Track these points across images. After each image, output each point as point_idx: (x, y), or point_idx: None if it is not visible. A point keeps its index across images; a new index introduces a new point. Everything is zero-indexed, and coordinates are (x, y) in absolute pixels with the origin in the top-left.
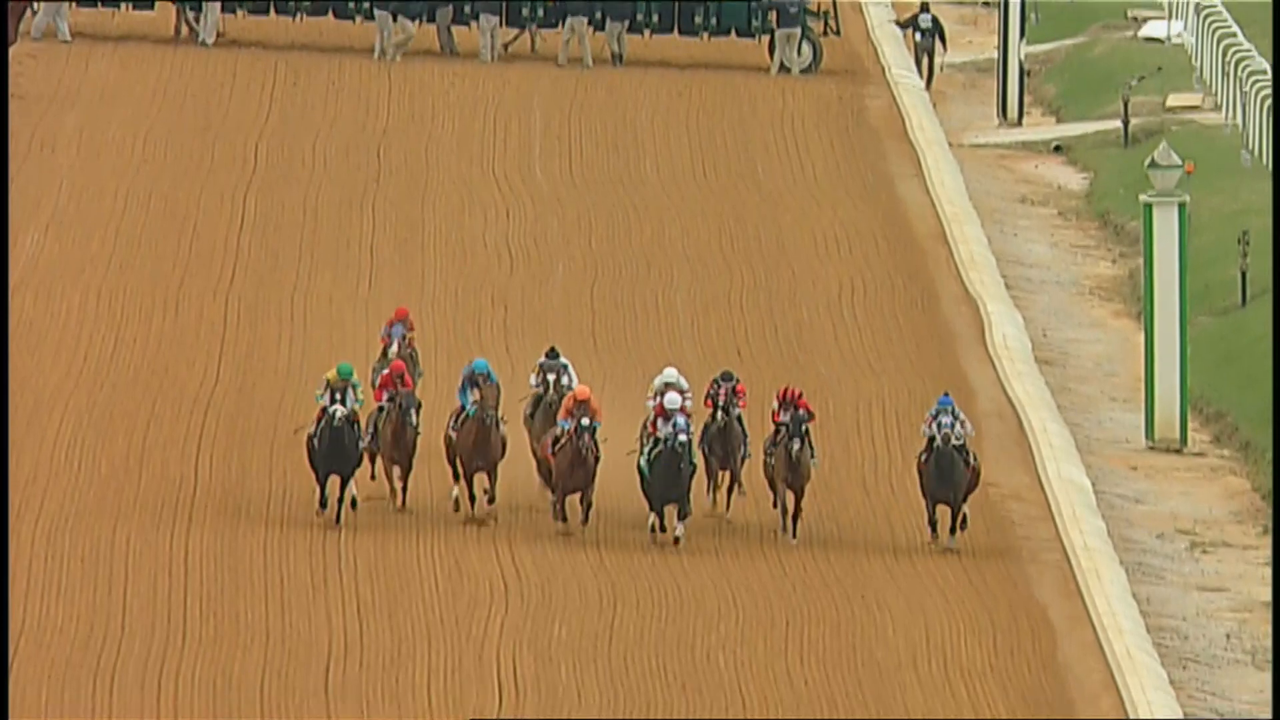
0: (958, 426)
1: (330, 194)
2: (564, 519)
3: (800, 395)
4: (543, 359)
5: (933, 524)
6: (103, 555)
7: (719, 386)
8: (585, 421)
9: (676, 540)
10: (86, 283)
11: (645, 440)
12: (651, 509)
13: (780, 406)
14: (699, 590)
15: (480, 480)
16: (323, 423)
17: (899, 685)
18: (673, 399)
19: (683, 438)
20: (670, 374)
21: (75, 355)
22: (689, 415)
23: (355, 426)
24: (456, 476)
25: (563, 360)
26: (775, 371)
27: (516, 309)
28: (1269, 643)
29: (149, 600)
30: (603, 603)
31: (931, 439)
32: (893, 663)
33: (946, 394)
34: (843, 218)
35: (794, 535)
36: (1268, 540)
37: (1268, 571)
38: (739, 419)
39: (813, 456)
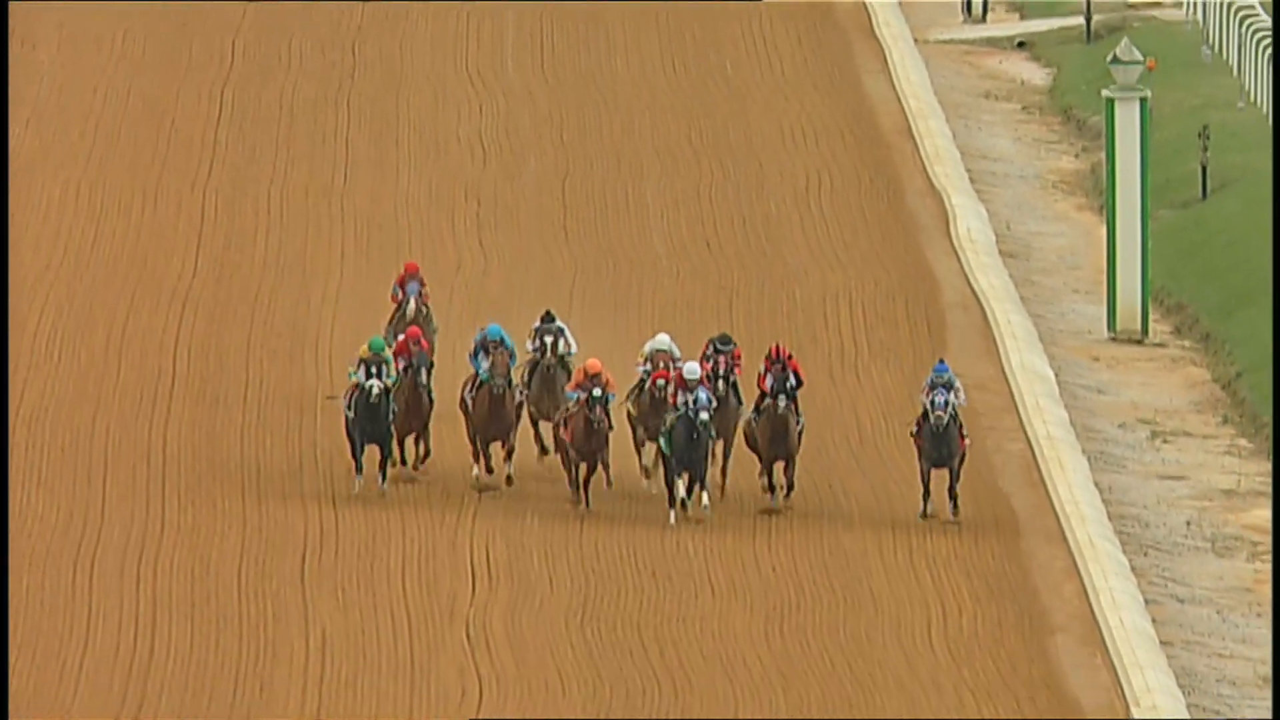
0: (953, 399)
1: (306, 90)
2: (583, 489)
3: (791, 356)
4: (538, 323)
5: (926, 489)
6: (82, 445)
7: (716, 352)
8: (597, 393)
9: (691, 505)
10: (66, 176)
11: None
12: (668, 483)
13: (768, 367)
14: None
15: (497, 450)
16: (356, 395)
17: (865, 572)
18: (692, 369)
19: (704, 415)
20: (662, 340)
21: (55, 248)
22: (711, 387)
23: (390, 399)
24: (476, 455)
25: (559, 323)
26: (745, 264)
27: (489, 203)
28: (1228, 530)
29: (128, 489)
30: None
31: (926, 413)
32: (859, 550)
33: (942, 361)
34: (810, 112)
35: (789, 507)
36: (1227, 430)
37: (1228, 460)
38: (735, 387)
39: (799, 422)
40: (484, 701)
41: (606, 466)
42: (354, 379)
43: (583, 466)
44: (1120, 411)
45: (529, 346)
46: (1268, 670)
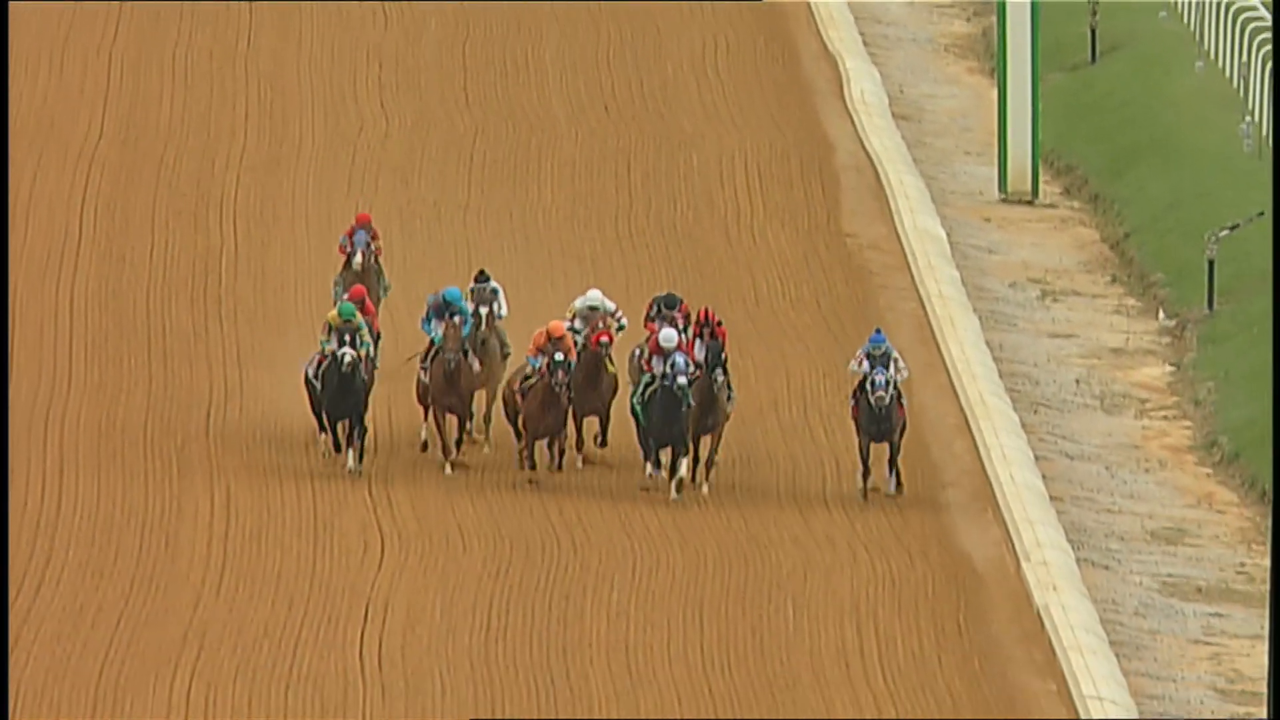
0: (891, 373)
1: None
2: (532, 466)
3: (720, 323)
4: (472, 283)
5: (864, 470)
6: None
7: (660, 314)
8: (560, 358)
9: (679, 485)
10: None
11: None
12: (646, 455)
13: (697, 332)
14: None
15: (453, 424)
16: (327, 365)
17: (761, 430)
18: (668, 335)
19: (682, 380)
20: (594, 296)
21: None
22: (688, 352)
23: (361, 371)
24: (426, 417)
25: (493, 284)
26: (642, 128)
27: (391, 65)
28: (1117, 387)
29: (35, 347)
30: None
31: (862, 383)
32: (754, 409)
33: (879, 331)
34: None
35: (706, 483)
36: (1116, 289)
37: (1116, 319)
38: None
39: (730, 395)
40: (385, 557)
41: (565, 442)
42: (325, 348)
43: (540, 442)
44: (1011, 271)
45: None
46: (1155, 525)
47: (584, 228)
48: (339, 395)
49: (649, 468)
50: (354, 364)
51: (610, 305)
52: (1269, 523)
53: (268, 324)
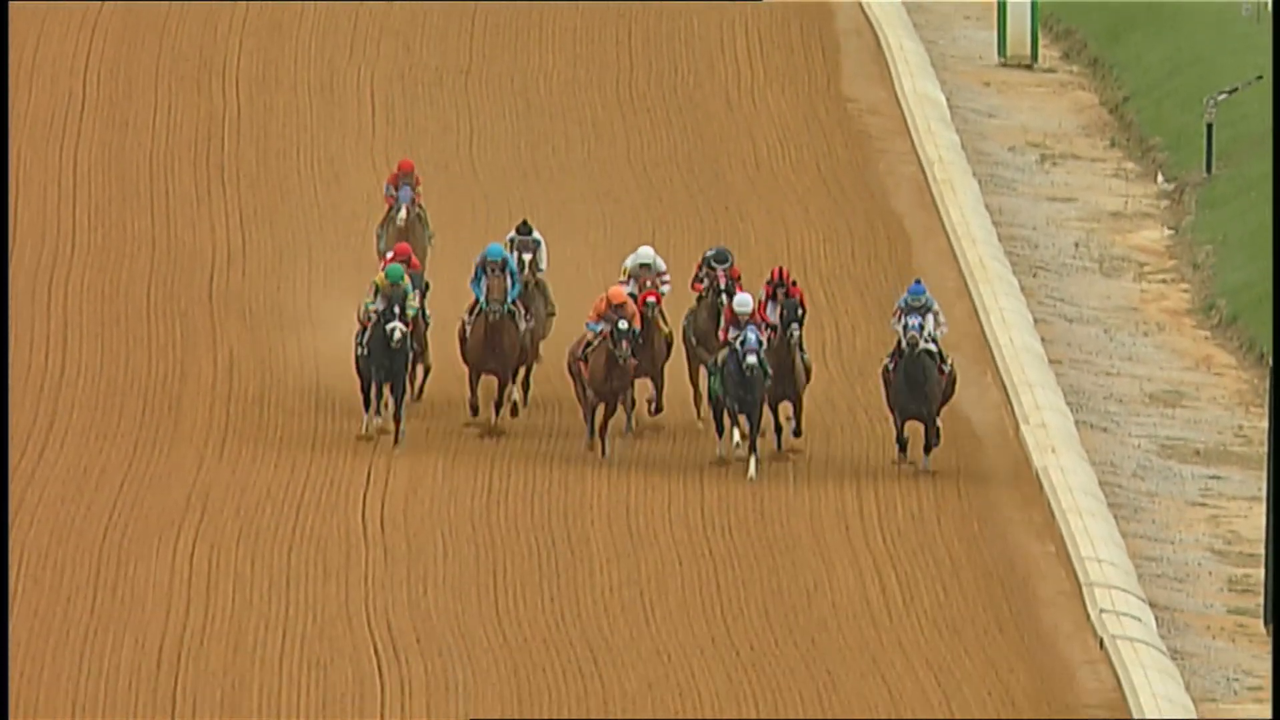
0: (929, 325)
1: None
2: (600, 435)
3: (795, 281)
4: (513, 233)
5: (900, 442)
6: None
7: (713, 269)
8: (623, 325)
9: (757, 462)
10: None
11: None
12: (719, 428)
13: (769, 292)
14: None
15: (494, 384)
16: (371, 331)
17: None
18: (743, 301)
19: (751, 359)
20: (645, 254)
21: None
22: (761, 324)
23: (410, 340)
24: (471, 386)
25: (535, 236)
26: None
27: None
28: (1115, 250)
29: (39, 211)
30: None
31: (899, 343)
32: (755, 273)
33: (919, 281)
34: None
35: (791, 455)
36: (1115, 153)
37: (1115, 182)
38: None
39: (805, 357)
40: (388, 414)
41: (630, 407)
42: (370, 308)
43: (602, 408)
44: (1010, 135)
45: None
46: (1154, 388)
47: (584, 91)
48: (384, 360)
49: (727, 439)
50: (404, 339)
51: (662, 264)
52: (1266, 391)
53: (270, 188)
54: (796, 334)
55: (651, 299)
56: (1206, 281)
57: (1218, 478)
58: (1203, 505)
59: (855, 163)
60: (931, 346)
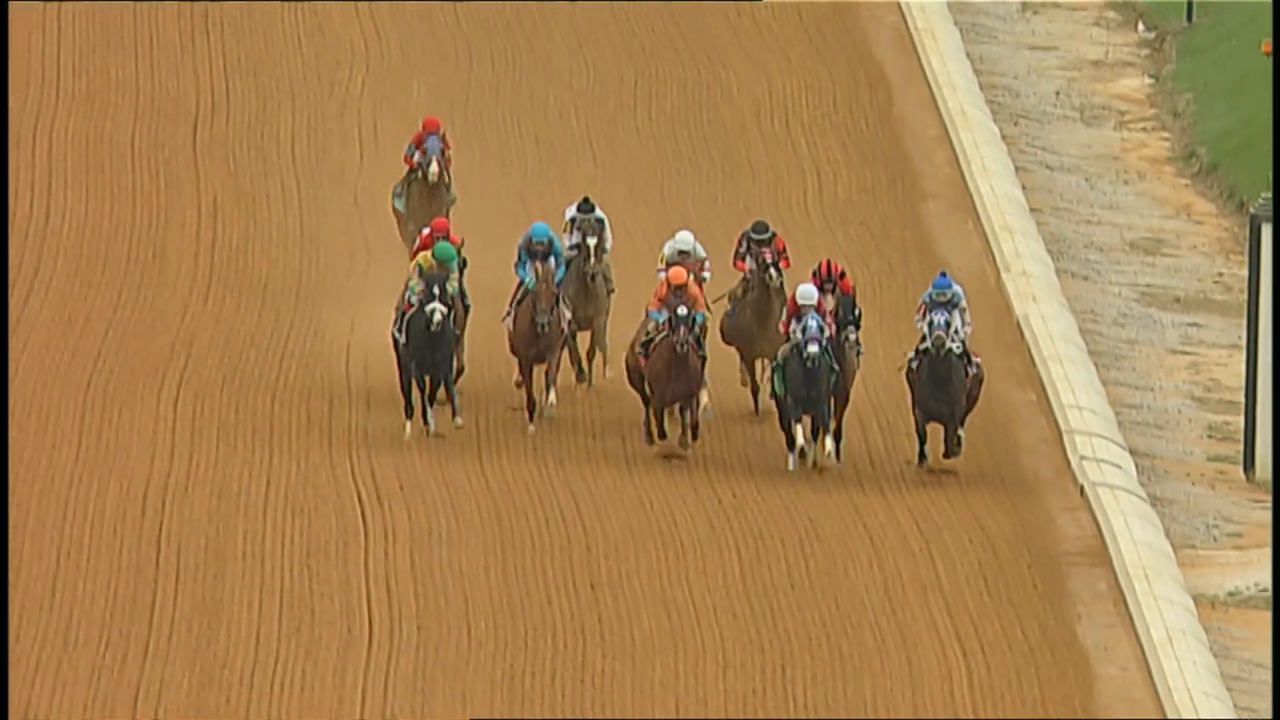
0: (955, 323)
1: None
2: (662, 435)
3: (845, 274)
4: (573, 211)
5: (922, 446)
6: None
7: (755, 246)
8: (683, 311)
9: (815, 462)
10: None
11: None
12: (785, 427)
13: (819, 286)
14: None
15: (540, 375)
16: (410, 317)
17: (744, 142)
18: (807, 292)
19: (813, 348)
20: (684, 240)
21: None
22: (826, 313)
23: (452, 324)
24: (521, 377)
25: (599, 214)
26: None
27: None
28: (1097, 99)
29: (24, 58)
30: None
31: (923, 341)
32: (737, 121)
33: (944, 274)
34: None
35: (838, 457)
36: (1096, 1)
37: (1096, 31)
38: (782, 289)
39: (859, 353)
40: (371, 266)
41: (697, 407)
42: (414, 291)
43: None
44: None
45: (566, 242)
46: (1134, 236)
47: None
48: (424, 351)
49: (791, 460)
50: (443, 322)
51: (702, 251)
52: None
53: (254, 35)
54: (853, 337)
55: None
56: (1187, 130)
57: (1198, 325)
58: (1183, 353)
59: (837, 11)
60: (957, 347)
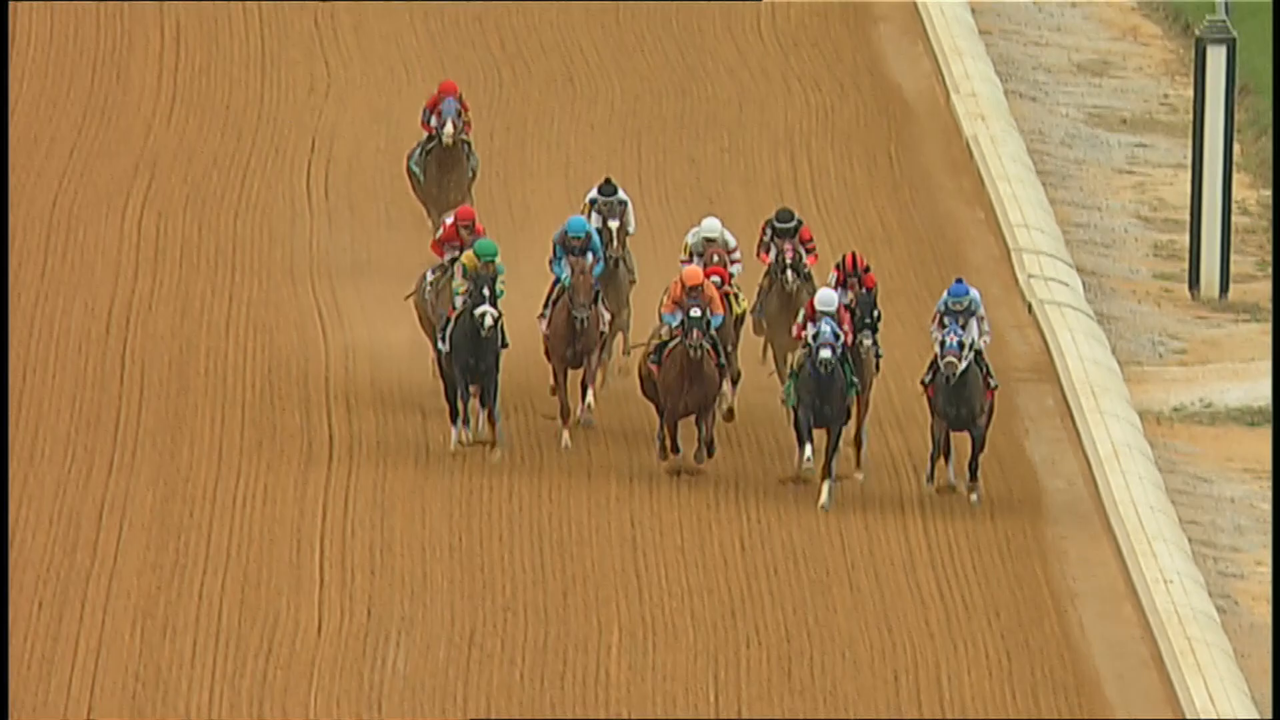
0: (972, 332)
1: None
2: (675, 450)
3: (869, 269)
4: (594, 193)
5: (932, 465)
6: None
7: (779, 236)
8: (696, 313)
9: (830, 490)
10: None
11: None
12: (799, 439)
13: (840, 279)
14: None
15: (575, 379)
16: (458, 322)
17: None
18: (827, 298)
19: (825, 354)
20: (711, 226)
21: None
22: (844, 323)
23: (501, 332)
24: (556, 382)
25: (621, 195)
26: None
27: None
28: None
29: None
30: None
31: (937, 357)
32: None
33: (960, 280)
34: None
35: (858, 468)
36: None
37: None
38: (810, 278)
39: (879, 356)
40: (331, 90)
41: (713, 423)
42: (457, 292)
43: (676, 423)
44: None
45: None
46: (1082, 58)
47: None
48: (470, 356)
49: (804, 454)
50: (495, 326)
51: (730, 239)
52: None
53: None
54: (868, 342)
55: (717, 275)
56: None
57: (1144, 145)
58: (1129, 172)
59: None
60: (972, 363)
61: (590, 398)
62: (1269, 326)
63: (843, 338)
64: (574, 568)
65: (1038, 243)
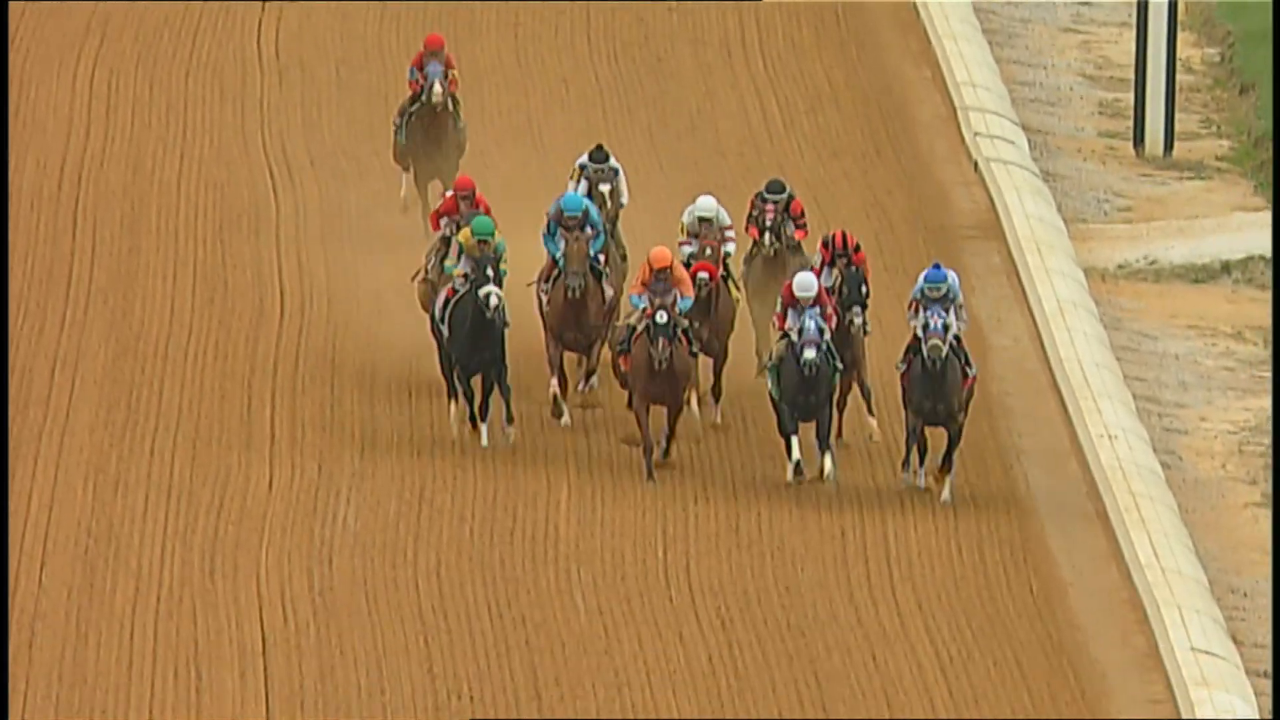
0: (951, 321)
1: None
2: (649, 444)
3: (859, 247)
4: (584, 159)
5: (907, 454)
6: None
7: (764, 204)
8: (662, 319)
9: (824, 477)
10: None
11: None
12: (783, 433)
13: (828, 258)
14: None
15: (572, 363)
16: (455, 306)
17: None
18: (805, 283)
19: (810, 354)
20: (706, 205)
21: None
22: (826, 307)
23: (505, 313)
24: (552, 367)
25: (613, 163)
26: None
27: None
28: None
29: None
30: None
31: (914, 341)
32: None
33: (938, 265)
34: None
35: (870, 414)
36: None
37: None
38: (799, 249)
39: (866, 332)
40: None
41: (676, 420)
42: (452, 272)
43: (652, 411)
44: None
45: (572, 190)
46: None
47: None
48: (474, 342)
49: (792, 455)
50: (500, 307)
51: (726, 217)
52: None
53: None
54: (859, 320)
55: (704, 274)
56: None
57: (1088, 4)
58: (1074, 31)
59: None
60: (951, 350)
61: (594, 380)
62: (1213, 184)
63: (827, 331)
64: (523, 424)
65: (984, 101)
